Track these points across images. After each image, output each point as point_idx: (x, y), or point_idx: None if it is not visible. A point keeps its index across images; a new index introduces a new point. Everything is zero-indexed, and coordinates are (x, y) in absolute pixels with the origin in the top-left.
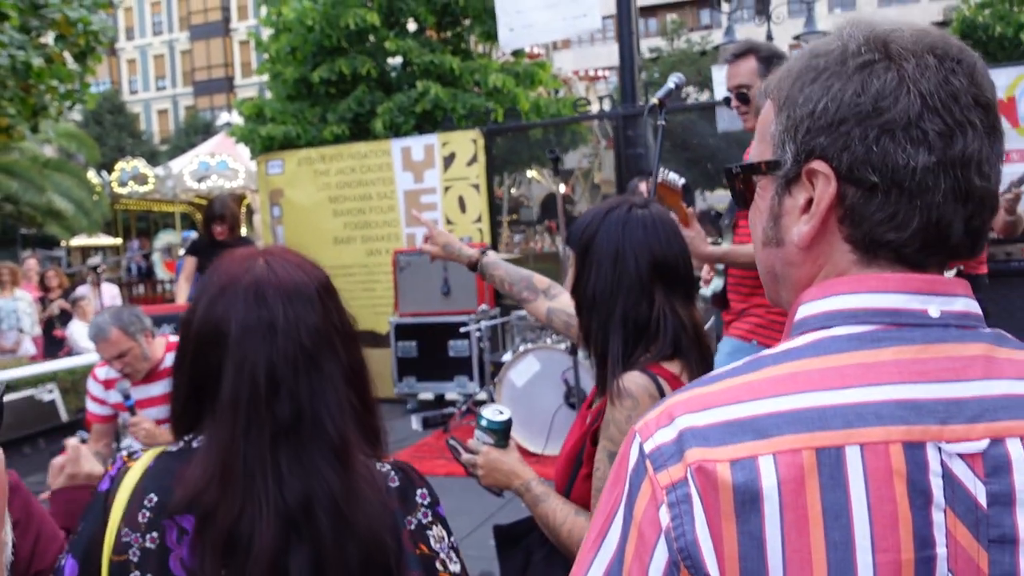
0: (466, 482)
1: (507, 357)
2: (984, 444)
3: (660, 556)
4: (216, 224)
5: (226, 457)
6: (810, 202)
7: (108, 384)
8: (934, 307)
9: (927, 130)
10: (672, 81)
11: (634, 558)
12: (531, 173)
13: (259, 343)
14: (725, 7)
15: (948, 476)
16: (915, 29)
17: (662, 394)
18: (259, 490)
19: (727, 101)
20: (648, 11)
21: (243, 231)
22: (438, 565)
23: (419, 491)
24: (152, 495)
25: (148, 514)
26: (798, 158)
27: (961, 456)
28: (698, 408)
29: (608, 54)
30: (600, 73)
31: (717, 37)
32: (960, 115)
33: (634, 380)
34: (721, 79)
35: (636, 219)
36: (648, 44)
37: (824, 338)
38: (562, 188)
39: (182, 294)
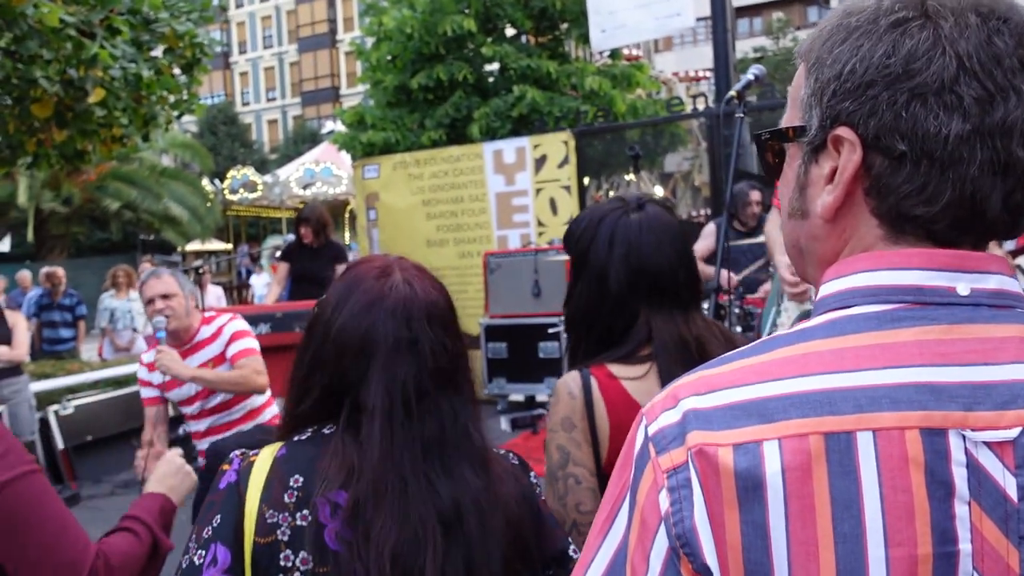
0: None
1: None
2: (1015, 432)
3: (661, 542)
4: (302, 227)
5: (379, 472)
6: (835, 171)
7: (152, 367)
8: (963, 285)
9: (962, 95)
10: (752, 72)
11: (637, 544)
12: (628, 176)
13: (407, 360)
14: (834, 3)
15: (973, 466)
16: None
17: (587, 392)
18: (416, 503)
19: None
20: (753, 9)
21: (346, 236)
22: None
23: (531, 472)
24: (297, 476)
25: (297, 493)
26: (823, 124)
27: (988, 445)
28: (704, 390)
29: (711, 55)
30: (702, 74)
31: None
32: (1002, 79)
33: (565, 377)
34: None
35: (625, 228)
36: (753, 43)
37: (841, 317)
38: (660, 191)
39: (272, 296)
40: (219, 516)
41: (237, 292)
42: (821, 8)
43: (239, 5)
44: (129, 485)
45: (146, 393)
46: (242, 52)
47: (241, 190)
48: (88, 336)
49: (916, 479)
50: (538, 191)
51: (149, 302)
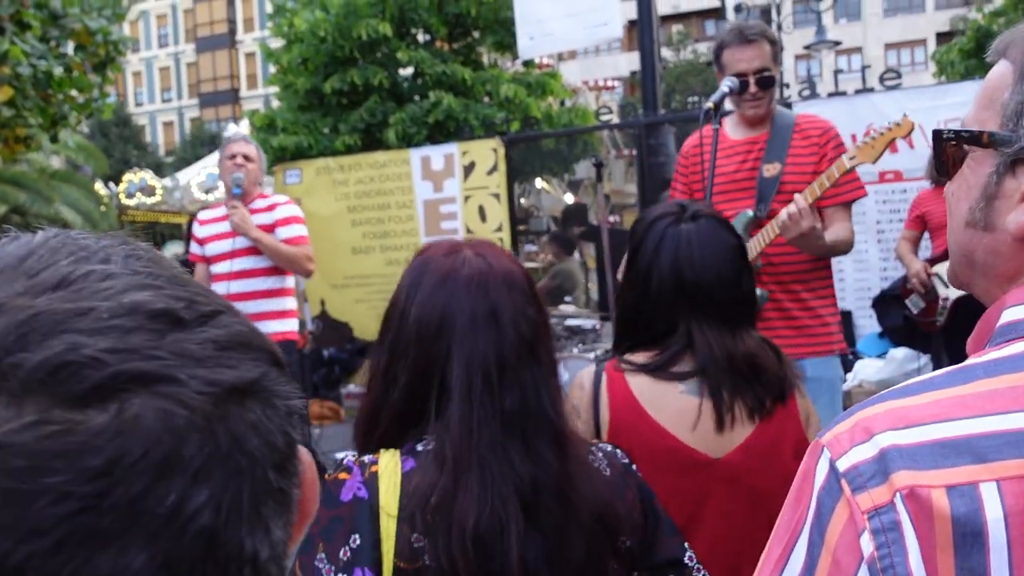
0: None
1: None
2: None
3: None
4: None
5: (460, 450)
6: None
7: (204, 223)
8: None
9: None
10: (726, 85)
11: None
12: (541, 183)
13: (487, 333)
14: (735, 18)
15: None
16: None
17: (596, 386)
18: (497, 481)
19: (743, 86)
20: None
21: None
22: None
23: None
24: (432, 498)
25: (431, 518)
26: None
27: None
28: (902, 425)
29: (614, 64)
30: (608, 83)
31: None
32: None
33: (583, 369)
34: (731, 60)
35: (674, 237)
36: None
37: None
38: (571, 198)
39: None
40: (357, 536)
41: None
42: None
43: (132, 1)
44: None
45: (193, 248)
46: (135, 51)
47: (138, 194)
48: None
49: None
50: (467, 198)
51: (231, 157)
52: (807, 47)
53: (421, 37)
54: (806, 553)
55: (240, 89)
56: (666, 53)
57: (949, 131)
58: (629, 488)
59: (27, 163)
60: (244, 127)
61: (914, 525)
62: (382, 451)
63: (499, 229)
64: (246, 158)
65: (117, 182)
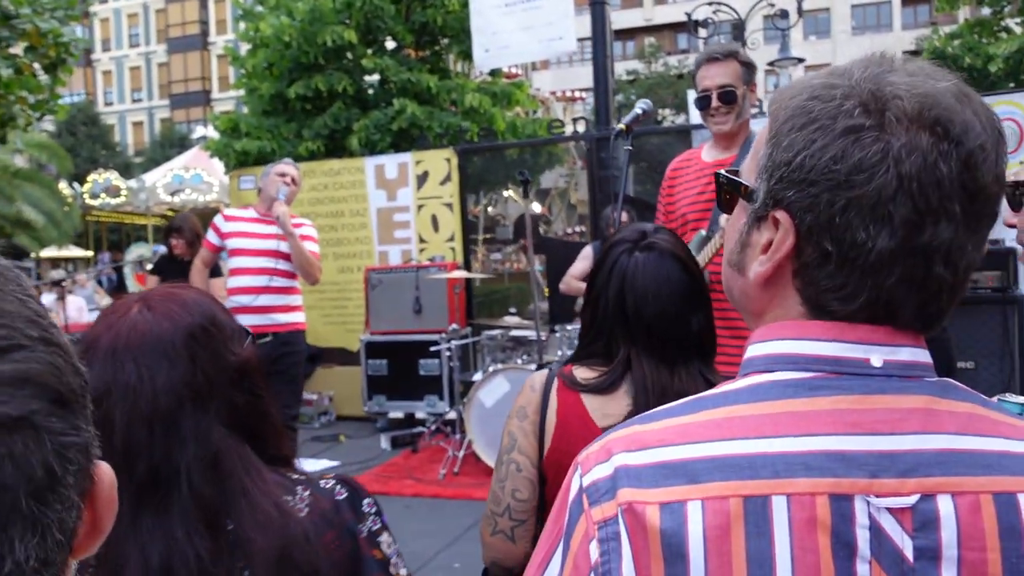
0: (432, 503)
1: (477, 377)
2: (914, 499)
3: None
4: (173, 237)
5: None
6: (771, 244)
7: (230, 219)
8: (876, 356)
9: (894, 214)
10: (640, 107)
11: None
12: (507, 192)
13: (115, 405)
14: (702, 32)
15: (876, 529)
16: (928, 92)
17: (546, 389)
18: (127, 552)
19: (704, 101)
20: (626, 33)
21: None
22: (391, 569)
23: (365, 500)
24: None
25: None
26: (767, 201)
27: (890, 510)
28: (635, 447)
29: (587, 75)
30: (578, 94)
31: (693, 61)
32: (937, 203)
33: (535, 372)
34: (699, 79)
35: (624, 265)
36: (626, 66)
37: (763, 383)
38: (537, 208)
39: None
40: None
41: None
42: (691, 35)
43: (103, 0)
44: None
45: (209, 237)
46: (106, 50)
47: (103, 195)
48: None
49: (823, 541)
50: (420, 207)
51: (282, 174)
52: (771, 63)
53: (388, 44)
54: (560, 559)
55: (212, 91)
56: (637, 65)
57: (724, 176)
58: (332, 528)
59: None
60: (210, 131)
61: (629, 537)
62: None
63: (451, 239)
64: (293, 180)
65: (83, 182)
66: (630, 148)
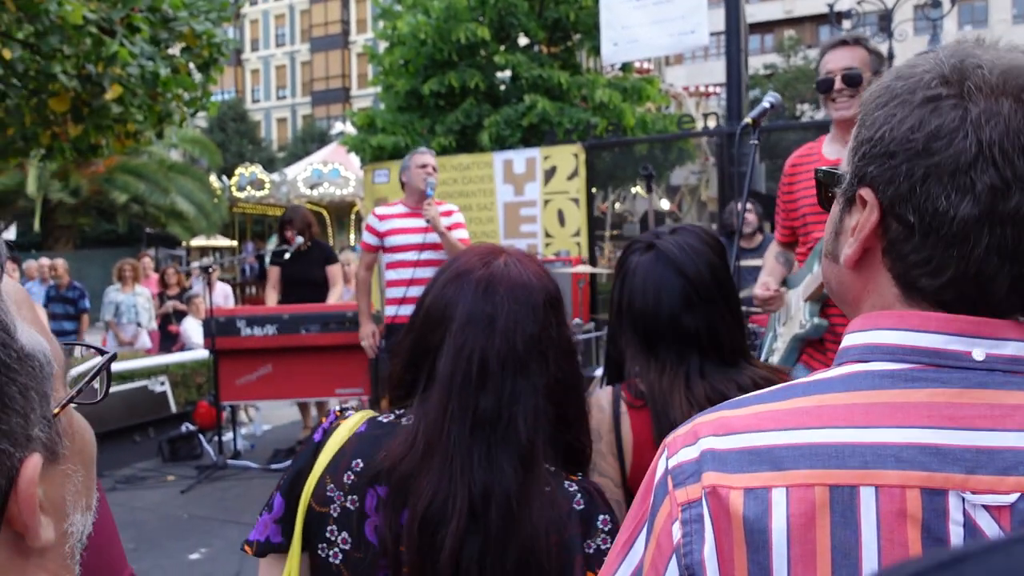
0: None
1: (598, 372)
2: (1013, 498)
3: (672, 570)
4: (286, 229)
5: (432, 434)
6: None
7: (383, 217)
8: (979, 350)
9: (976, 180)
10: (767, 101)
11: (650, 569)
12: (635, 189)
13: (479, 335)
14: (846, 24)
15: (970, 526)
16: (1015, 63)
17: (615, 406)
18: (455, 473)
19: (827, 84)
20: (765, 27)
21: (351, 237)
22: None
23: (601, 516)
24: (359, 460)
25: (353, 477)
26: (852, 181)
27: (987, 508)
28: (722, 432)
29: (721, 70)
30: (712, 89)
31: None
32: (1023, 169)
33: (599, 391)
34: (823, 63)
35: (629, 265)
36: (764, 60)
37: (858, 372)
38: (667, 205)
39: (270, 300)
40: (292, 468)
41: (241, 289)
42: (833, 27)
43: (253, 3)
44: (131, 480)
45: (365, 238)
46: (254, 50)
47: (248, 187)
48: (91, 329)
49: (912, 534)
50: (546, 202)
51: (423, 166)
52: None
53: (520, 41)
54: (644, 539)
55: (351, 88)
56: (776, 59)
57: (820, 171)
58: (558, 534)
59: (148, 155)
60: (348, 126)
61: (712, 520)
62: (360, 412)
63: (576, 234)
64: (434, 168)
65: (230, 176)
66: (756, 142)
